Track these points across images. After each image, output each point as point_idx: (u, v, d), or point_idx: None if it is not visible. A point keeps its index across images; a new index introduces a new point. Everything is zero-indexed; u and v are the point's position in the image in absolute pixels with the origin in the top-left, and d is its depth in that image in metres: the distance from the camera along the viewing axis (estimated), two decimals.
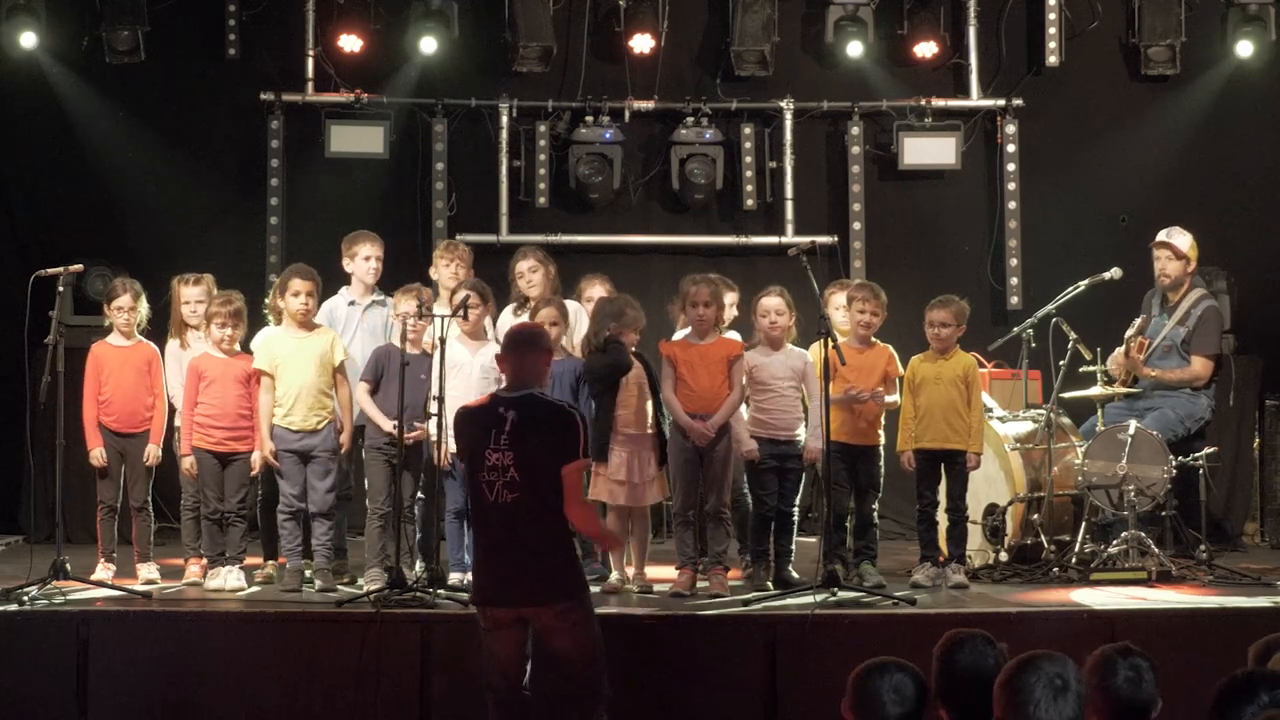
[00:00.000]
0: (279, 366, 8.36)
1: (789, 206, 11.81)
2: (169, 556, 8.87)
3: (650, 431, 8.39)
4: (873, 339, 8.75)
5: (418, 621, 7.49)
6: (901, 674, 3.98)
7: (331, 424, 8.42)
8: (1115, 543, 8.72)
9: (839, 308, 9.00)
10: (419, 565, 8.45)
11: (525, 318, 8.75)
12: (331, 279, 9.01)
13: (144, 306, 8.76)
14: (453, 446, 8.21)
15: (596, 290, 9.08)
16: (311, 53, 11.63)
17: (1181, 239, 9.78)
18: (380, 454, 8.35)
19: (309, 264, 8.71)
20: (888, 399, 8.65)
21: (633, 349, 8.42)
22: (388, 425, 8.24)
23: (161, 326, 8.96)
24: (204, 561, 8.48)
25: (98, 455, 8.57)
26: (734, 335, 8.82)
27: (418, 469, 8.43)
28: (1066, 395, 9.33)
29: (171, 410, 8.67)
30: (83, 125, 11.52)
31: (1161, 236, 9.84)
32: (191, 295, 8.71)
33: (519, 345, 6.36)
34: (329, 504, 8.39)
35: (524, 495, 6.03)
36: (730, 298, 8.83)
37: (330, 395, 8.44)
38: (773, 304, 8.53)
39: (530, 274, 8.98)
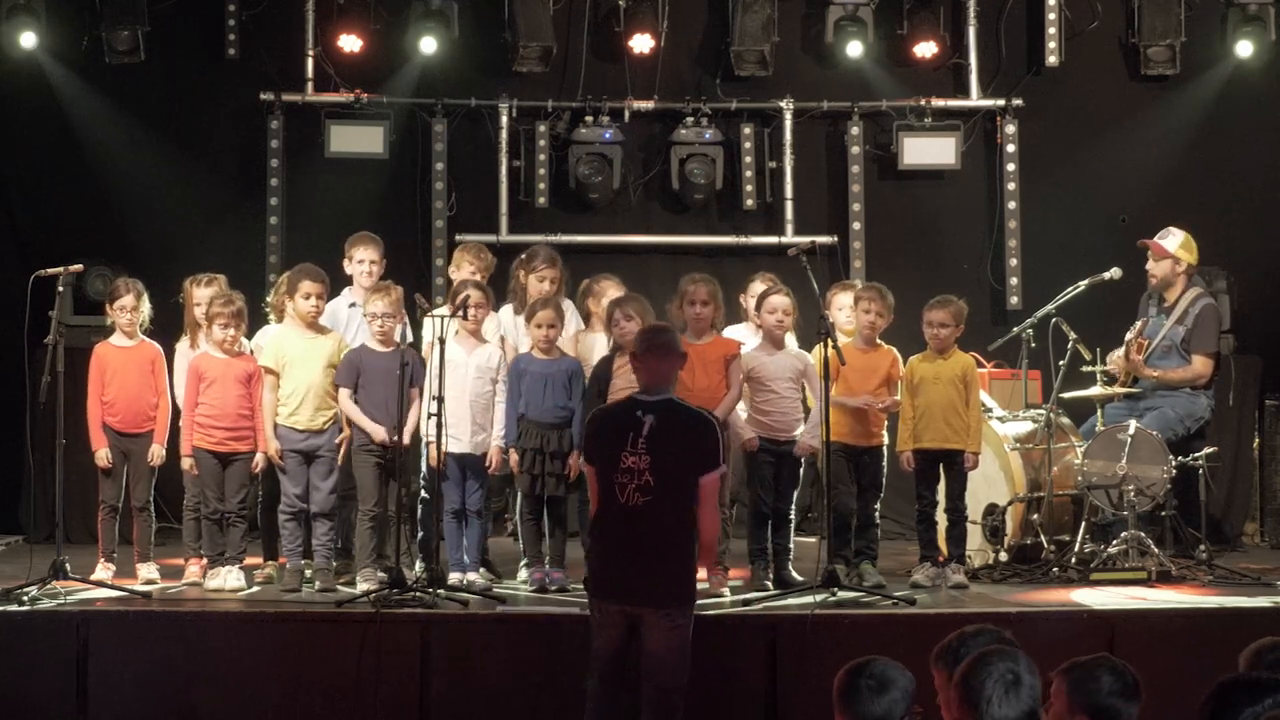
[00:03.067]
0: (286, 366, 8.37)
1: (789, 206, 11.80)
2: (169, 556, 8.87)
3: None
4: (878, 340, 8.76)
5: (418, 621, 7.50)
6: (877, 664, 3.99)
7: (335, 424, 8.42)
8: (1115, 543, 8.72)
9: (843, 308, 9.00)
10: (419, 565, 8.46)
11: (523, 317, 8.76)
12: (332, 279, 9.00)
13: (146, 306, 8.76)
14: (452, 446, 8.28)
15: (611, 291, 9.06)
16: (311, 53, 11.62)
17: (1170, 239, 9.75)
18: (369, 455, 8.35)
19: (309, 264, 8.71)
20: (892, 399, 8.66)
21: None
22: (380, 434, 8.25)
23: (171, 327, 8.96)
24: (204, 561, 8.48)
25: (103, 456, 8.57)
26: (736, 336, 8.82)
27: (407, 469, 8.41)
28: (1066, 395, 9.33)
29: (177, 410, 8.66)
30: (83, 125, 11.51)
31: (1151, 239, 9.83)
32: (203, 297, 8.70)
33: (655, 349, 6.40)
34: (331, 504, 8.40)
35: (655, 500, 6.14)
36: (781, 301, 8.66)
37: (335, 396, 8.44)
38: (780, 302, 8.53)
39: (551, 284, 8.97)
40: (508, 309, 9.10)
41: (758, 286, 9.12)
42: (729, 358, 8.36)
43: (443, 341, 8.09)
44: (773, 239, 11.68)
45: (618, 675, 6.37)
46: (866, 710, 3.91)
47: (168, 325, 9.07)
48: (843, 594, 7.98)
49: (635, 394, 6.47)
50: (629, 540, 6.20)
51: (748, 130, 11.80)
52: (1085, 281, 9.64)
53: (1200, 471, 9.14)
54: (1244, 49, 11.58)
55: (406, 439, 8.26)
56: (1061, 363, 9.20)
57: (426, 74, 11.72)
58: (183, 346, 8.83)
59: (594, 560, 6.46)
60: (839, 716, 3.97)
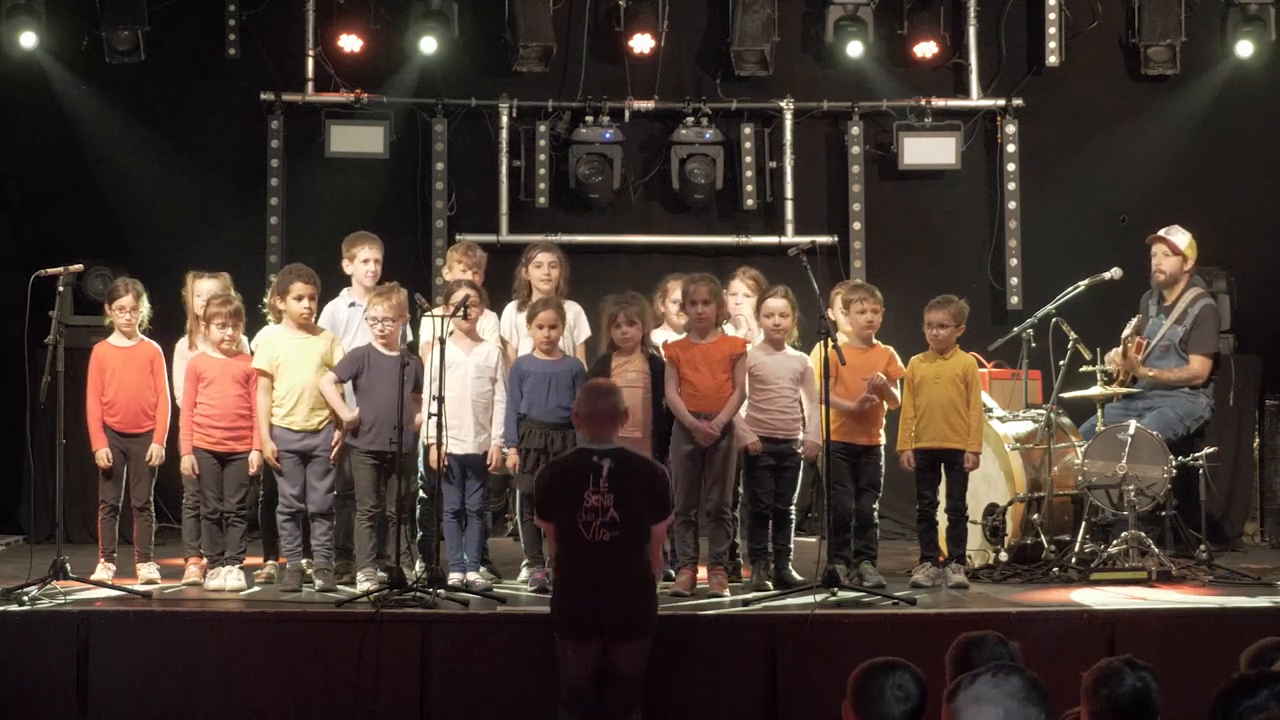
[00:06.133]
0: (280, 367, 8.36)
1: (789, 206, 11.81)
2: (169, 556, 8.87)
3: (649, 433, 8.36)
4: (874, 340, 8.76)
5: (418, 621, 7.49)
6: (904, 673, 3.99)
7: (331, 424, 8.41)
8: (1115, 543, 8.72)
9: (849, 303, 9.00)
10: (419, 565, 8.45)
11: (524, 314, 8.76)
12: (332, 279, 9.01)
13: (145, 306, 8.76)
14: (454, 447, 8.28)
15: (675, 291, 9.04)
16: (311, 53, 11.63)
17: (1180, 236, 9.78)
18: (368, 455, 8.34)
19: (309, 264, 8.72)
20: (890, 390, 8.65)
21: (650, 350, 8.49)
22: (348, 415, 8.25)
23: (171, 326, 8.95)
24: (204, 561, 8.48)
25: (103, 456, 8.57)
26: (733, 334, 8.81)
27: (406, 470, 8.40)
28: (1066, 395, 9.33)
29: (175, 410, 8.66)
30: (83, 125, 11.52)
31: (1159, 232, 9.84)
32: (204, 290, 8.72)
33: (599, 411, 6.59)
34: (329, 504, 8.39)
35: (621, 534, 6.36)
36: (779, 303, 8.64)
37: None
38: (778, 305, 8.53)
39: (550, 269, 8.97)
40: (511, 307, 9.10)
41: (738, 285, 9.14)
42: (734, 356, 8.35)
43: (443, 342, 8.09)
44: (773, 239, 11.69)
45: (592, 705, 6.52)
46: (887, 715, 3.91)
47: (167, 325, 9.07)
48: (843, 594, 7.98)
49: (584, 446, 6.68)
50: (598, 575, 6.39)
51: (748, 130, 11.81)
52: (1085, 281, 9.64)
53: (1200, 471, 9.14)
54: (1244, 49, 11.59)
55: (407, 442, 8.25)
56: (1061, 363, 9.20)
57: (426, 74, 11.73)
58: (181, 346, 8.83)
59: (562, 600, 6.57)
60: (851, 712, 3.96)
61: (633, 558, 6.42)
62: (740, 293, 9.12)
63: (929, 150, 11.75)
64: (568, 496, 6.42)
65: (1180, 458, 8.95)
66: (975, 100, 11.90)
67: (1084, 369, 9.26)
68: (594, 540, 6.35)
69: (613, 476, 6.38)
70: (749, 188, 11.80)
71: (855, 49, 11.62)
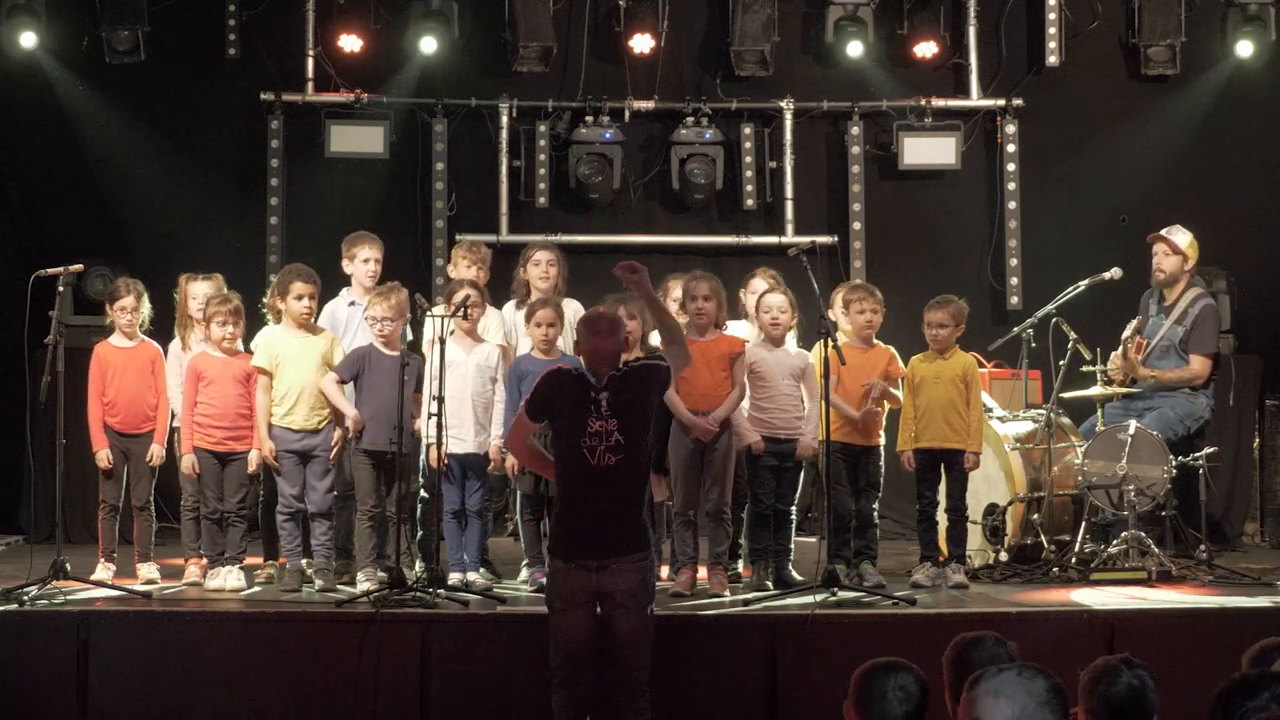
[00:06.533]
0: (280, 366, 8.36)
1: (789, 206, 11.82)
2: (169, 556, 8.88)
3: None
4: (874, 340, 8.77)
5: (418, 621, 7.50)
6: (906, 674, 3.99)
7: (331, 424, 8.41)
8: (1115, 543, 8.72)
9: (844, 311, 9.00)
10: (419, 565, 8.46)
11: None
12: (332, 279, 9.01)
13: (146, 307, 8.76)
14: (455, 447, 8.27)
15: (676, 291, 9.04)
16: (311, 53, 11.63)
17: (1181, 236, 9.78)
18: (368, 455, 8.34)
19: (309, 264, 8.72)
20: (892, 391, 8.65)
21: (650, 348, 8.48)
22: (352, 412, 8.24)
23: (167, 326, 8.96)
24: (204, 561, 8.48)
25: (103, 457, 8.57)
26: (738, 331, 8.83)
27: (406, 469, 8.40)
28: (1066, 395, 9.33)
29: (173, 411, 8.67)
30: (83, 125, 11.52)
31: (1160, 232, 9.84)
32: (199, 291, 8.72)
33: (598, 352, 6.48)
34: (328, 504, 8.39)
35: (626, 458, 6.34)
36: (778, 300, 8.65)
37: None
38: (775, 301, 8.54)
39: (549, 266, 8.99)
40: (509, 306, 9.10)
41: (758, 283, 9.14)
42: (733, 355, 8.34)
43: (443, 341, 8.09)
44: (773, 239, 11.69)
45: (584, 677, 6.41)
46: (888, 716, 3.91)
47: (168, 326, 9.07)
48: (843, 594, 7.98)
49: (582, 374, 6.52)
50: (602, 499, 6.35)
51: (748, 130, 11.81)
52: (1085, 281, 9.64)
53: (1200, 471, 9.14)
54: (1244, 49, 11.60)
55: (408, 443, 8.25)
56: (1061, 363, 9.21)
57: (426, 74, 11.73)
58: (174, 347, 8.82)
59: (565, 524, 6.51)
60: (852, 712, 3.96)
61: (636, 477, 6.42)
62: (760, 290, 9.10)
63: (929, 150, 11.76)
64: (569, 415, 6.38)
65: (1180, 458, 8.95)
66: (975, 100, 11.90)
67: (1084, 369, 9.26)
68: (599, 464, 6.32)
69: (612, 405, 6.36)
70: (749, 188, 11.80)
71: (855, 49, 11.62)
